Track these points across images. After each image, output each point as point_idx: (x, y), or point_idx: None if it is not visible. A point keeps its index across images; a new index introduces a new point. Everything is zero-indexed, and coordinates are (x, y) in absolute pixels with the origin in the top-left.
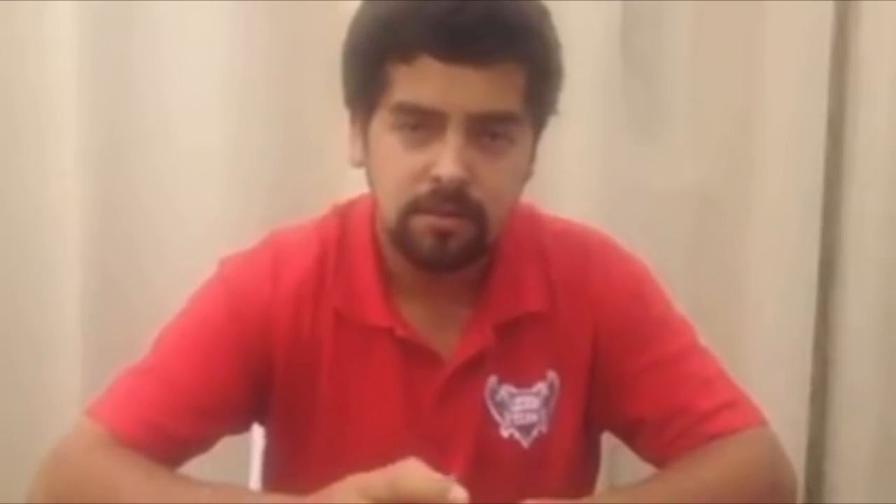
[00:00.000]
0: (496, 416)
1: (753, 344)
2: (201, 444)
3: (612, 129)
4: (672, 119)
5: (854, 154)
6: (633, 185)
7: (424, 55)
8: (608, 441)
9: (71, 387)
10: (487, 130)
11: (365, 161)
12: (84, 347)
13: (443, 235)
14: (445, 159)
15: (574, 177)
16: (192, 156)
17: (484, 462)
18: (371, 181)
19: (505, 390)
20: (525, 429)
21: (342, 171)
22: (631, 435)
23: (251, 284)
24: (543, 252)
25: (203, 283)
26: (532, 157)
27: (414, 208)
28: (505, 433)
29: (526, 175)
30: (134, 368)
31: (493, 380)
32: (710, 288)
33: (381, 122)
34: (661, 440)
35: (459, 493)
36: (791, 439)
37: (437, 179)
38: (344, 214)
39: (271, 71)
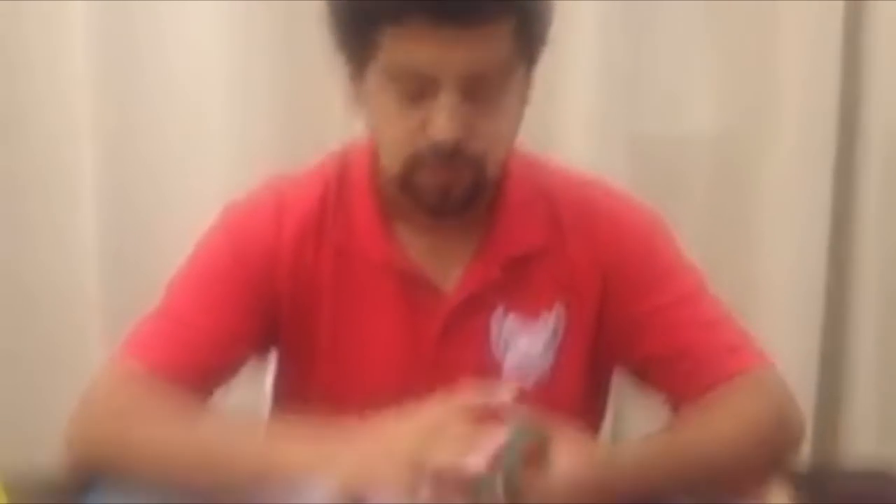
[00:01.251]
0: (500, 353)
1: (766, 289)
2: (224, 375)
3: (626, 76)
4: (688, 66)
5: (869, 101)
6: (647, 133)
7: (415, 16)
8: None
9: (91, 338)
10: (481, 86)
11: (363, 112)
12: (104, 300)
13: (445, 188)
14: (440, 120)
15: (587, 124)
16: (196, 128)
17: None
18: (371, 132)
19: (510, 325)
20: (529, 366)
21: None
22: (639, 375)
23: (254, 226)
24: (550, 195)
25: (207, 228)
26: (528, 86)
27: (413, 163)
28: (507, 369)
29: (525, 106)
30: (149, 316)
31: (498, 313)
32: (724, 233)
33: (374, 80)
34: (669, 381)
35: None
36: (802, 378)
37: (433, 140)
38: (342, 156)
39: (274, 51)
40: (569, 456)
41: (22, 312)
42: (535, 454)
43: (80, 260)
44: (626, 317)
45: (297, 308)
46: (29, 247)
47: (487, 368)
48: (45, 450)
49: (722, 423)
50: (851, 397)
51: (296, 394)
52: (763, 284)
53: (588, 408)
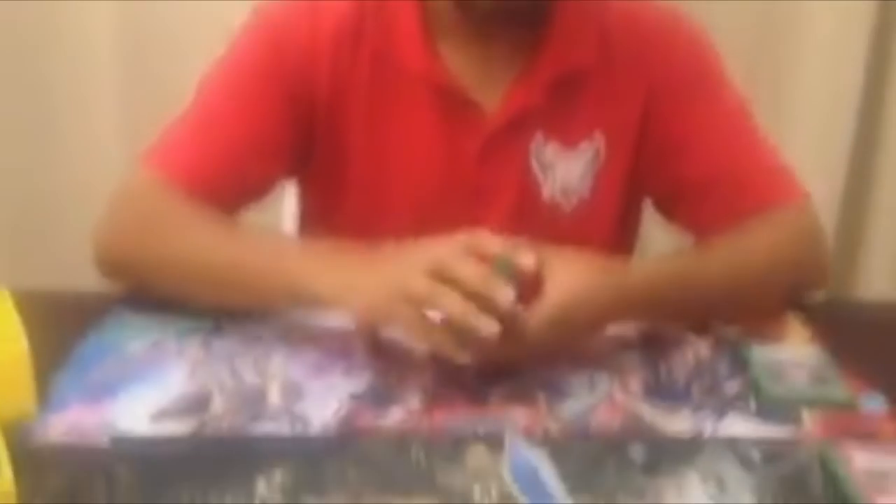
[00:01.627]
0: (539, 177)
1: (796, 130)
2: (256, 189)
3: None
4: None
5: None
6: None
7: None
8: None
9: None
10: None
11: None
12: (120, 100)
13: None
14: None
15: None
16: None
17: (522, 223)
18: None
19: (550, 150)
20: (568, 192)
21: None
22: (672, 201)
23: (289, 25)
24: (602, 16)
25: (240, 28)
26: None
27: None
28: (546, 194)
29: None
30: (180, 119)
31: (539, 137)
32: (759, 77)
33: None
34: (702, 208)
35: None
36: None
37: None
38: None
39: None
40: (566, 277)
41: (34, 118)
42: (531, 283)
43: (96, 60)
44: (667, 137)
45: (332, 116)
46: (42, 44)
47: (526, 191)
48: (55, 266)
49: (751, 245)
50: (870, 239)
51: (326, 215)
52: (793, 125)
53: (622, 233)
